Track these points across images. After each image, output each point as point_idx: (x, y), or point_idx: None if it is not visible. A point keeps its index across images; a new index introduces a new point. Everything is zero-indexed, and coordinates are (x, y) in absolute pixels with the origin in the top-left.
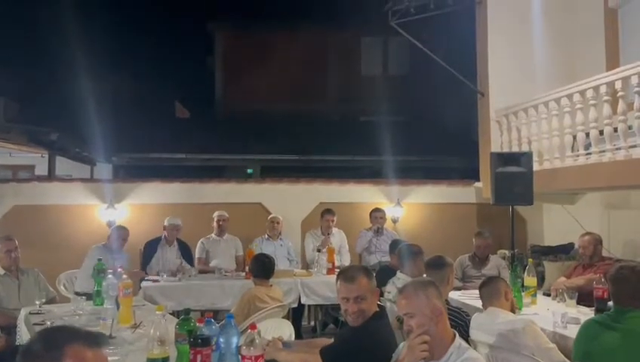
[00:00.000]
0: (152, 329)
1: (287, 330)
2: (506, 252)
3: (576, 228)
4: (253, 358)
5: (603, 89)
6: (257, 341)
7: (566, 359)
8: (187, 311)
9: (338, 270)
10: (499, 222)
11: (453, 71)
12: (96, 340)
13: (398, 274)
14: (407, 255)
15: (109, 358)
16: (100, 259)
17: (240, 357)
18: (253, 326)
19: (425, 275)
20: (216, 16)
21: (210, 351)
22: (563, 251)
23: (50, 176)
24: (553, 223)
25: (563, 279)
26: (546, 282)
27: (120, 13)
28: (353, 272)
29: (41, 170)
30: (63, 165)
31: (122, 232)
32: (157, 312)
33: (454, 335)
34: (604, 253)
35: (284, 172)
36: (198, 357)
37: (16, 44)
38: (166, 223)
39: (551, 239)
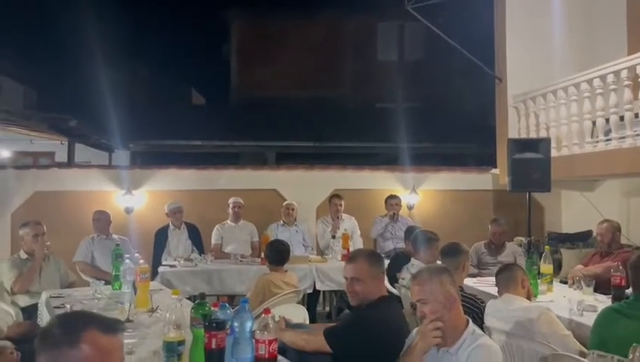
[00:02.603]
0: (167, 314)
1: (301, 315)
2: (523, 239)
3: (594, 215)
4: (266, 342)
5: (624, 73)
6: (271, 325)
7: (582, 346)
8: (202, 296)
9: None
10: (516, 209)
11: (470, 56)
12: (112, 326)
13: (413, 260)
14: (422, 242)
15: (127, 341)
16: (117, 245)
17: (254, 341)
18: (267, 311)
19: (439, 262)
20: (231, 4)
21: (224, 335)
22: (581, 239)
23: (70, 163)
24: (571, 210)
25: (580, 267)
26: (563, 269)
27: (137, 3)
28: (357, 254)
29: (61, 156)
30: (82, 152)
31: (98, 215)
32: (172, 296)
33: (468, 322)
34: (623, 241)
35: (300, 159)
36: (213, 340)
37: (35, 34)
38: (167, 210)
39: (569, 226)
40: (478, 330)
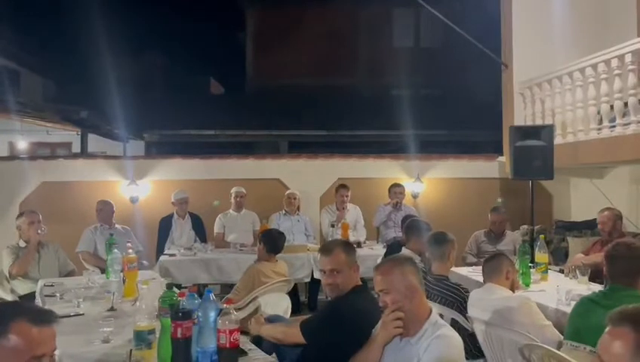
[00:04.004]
0: (138, 302)
1: (284, 305)
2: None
3: (604, 203)
4: (227, 332)
5: (628, 58)
6: (233, 316)
7: (561, 336)
8: (170, 286)
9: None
10: (522, 197)
11: (475, 42)
12: (42, 317)
13: (404, 249)
14: (413, 230)
15: (104, 329)
16: (111, 234)
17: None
18: (229, 301)
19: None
20: None
21: (190, 324)
22: (588, 227)
23: (78, 154)
24: (581, 198)
25: (581, 256)
26: (569, 258)
27: None
28: (331, 245)
29: (78, 147)
30: (98, 142)
31: (101, 205)
32: (142, 286)
33: (430, 312)
34: (632, 228)
35: (313, 147)
36: (179, 330)
37: (53, 25)
38: (173, 199)
39: (579, 214)
40: (441, 321)
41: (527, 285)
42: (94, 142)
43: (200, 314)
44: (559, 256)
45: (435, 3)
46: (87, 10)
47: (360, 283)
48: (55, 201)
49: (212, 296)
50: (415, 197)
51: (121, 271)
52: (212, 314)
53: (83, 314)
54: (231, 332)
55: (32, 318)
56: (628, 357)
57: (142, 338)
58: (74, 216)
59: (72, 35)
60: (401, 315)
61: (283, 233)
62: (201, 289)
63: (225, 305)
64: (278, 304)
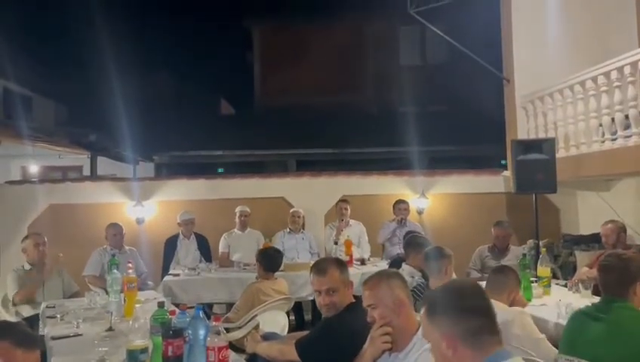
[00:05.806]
0: (130, 322)
1: (281, 323)
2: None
3: (611, 216)
4: (216, 349)
5: (627, 70)
6: (222, 334)
7: (555, 349)
8: (162, 304)
9: (357, 262)
10: (529, 212)
11: (476, 58)
12: (27, 341)
13: (404, 265)
14: (412, 246)
15: (101, 349)
16: (113, 255)
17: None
18: (217, 319)
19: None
20: (253, 12)
21: (182, 342)
22: (596, 240)
23: (92, 176)
24: (588, 211)
25: (586, 269)
26: (577, 272)
27: (161, 16)
28: (325, 265)
29: (88, 170)
30: (108, 165)
31: (116, 229)
32: (136, 306)
33: (419, 325)
34: (639, 241)
35: (321, 166)
36: (170, 348)
37: (62, 49)
38: (179, 220)
39: (587, 228)
40: None
41: (529, 299)
42: (105, 165)
43: (190, 331)
44: (567, 271)
45: (438, 21)
46: (97, 33)
47: (353, 300)
48: (62, 223)
49: (201, 314)
50: (420, 213)
51: (121, 292)
52: (202, 332)
53: (82, 335)
54: (220, 349)
55: (16, 340)
56: (428, 321)
57: (134, 358)
58: (81, 238)
59: (82, 58)
60: (389, 330)
61: (280, 251)
62: (206, 309)
63: (214, 323)
64: (277, 322)
